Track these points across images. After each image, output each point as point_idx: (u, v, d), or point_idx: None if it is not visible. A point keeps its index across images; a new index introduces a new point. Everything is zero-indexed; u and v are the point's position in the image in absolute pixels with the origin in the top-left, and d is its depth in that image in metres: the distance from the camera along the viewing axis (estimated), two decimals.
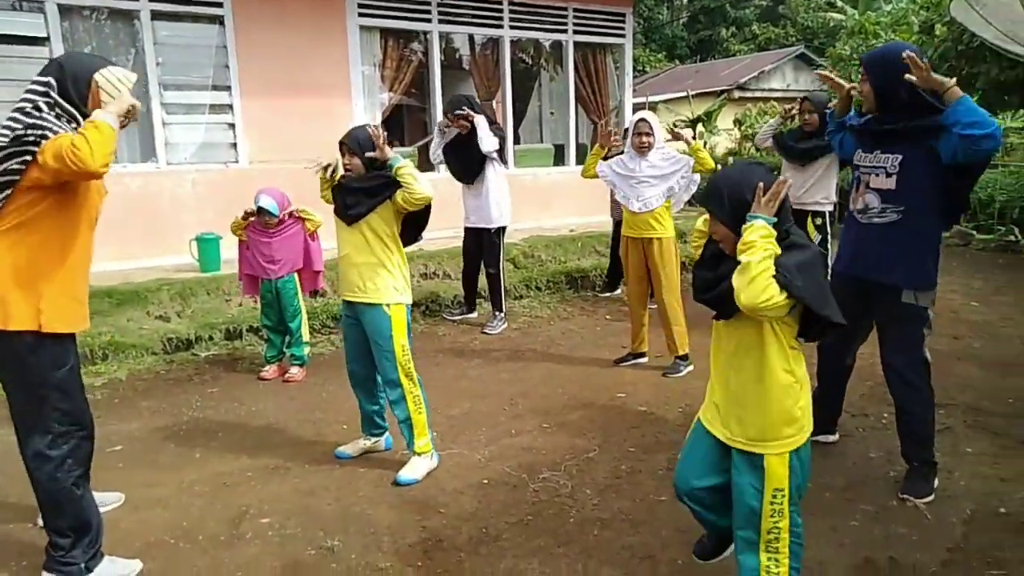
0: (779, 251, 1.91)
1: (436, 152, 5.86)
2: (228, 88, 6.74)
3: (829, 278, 3.36)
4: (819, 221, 5.10)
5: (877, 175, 3.01)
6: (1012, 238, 8.62)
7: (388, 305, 3.25)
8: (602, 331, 5.84)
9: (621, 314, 6.24)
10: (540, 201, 8.66)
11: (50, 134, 2.26)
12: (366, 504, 3.12)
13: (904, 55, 2.73)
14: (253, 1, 6.71)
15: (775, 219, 1.92)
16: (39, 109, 2.31)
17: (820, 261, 2.01)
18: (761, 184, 1.92)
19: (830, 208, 5.14)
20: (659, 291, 4.71)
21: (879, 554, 2.67)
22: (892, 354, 3.11)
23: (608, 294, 6.94)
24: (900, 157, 2.94)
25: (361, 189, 3.20)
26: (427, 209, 3.29)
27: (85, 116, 2.35)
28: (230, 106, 6.78)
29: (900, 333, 3.08)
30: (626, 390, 4.44)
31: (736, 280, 1.90)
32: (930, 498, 3.04)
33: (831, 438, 3.60)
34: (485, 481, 3.30)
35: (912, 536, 2.78)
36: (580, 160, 9.18)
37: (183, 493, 3.24)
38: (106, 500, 3.05)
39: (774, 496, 2.05)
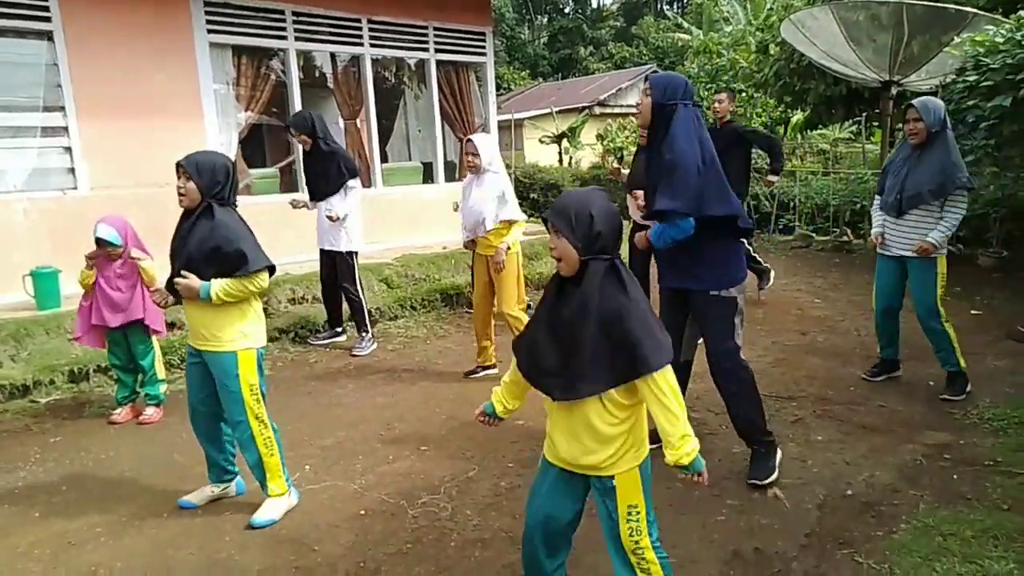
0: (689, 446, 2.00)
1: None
2: (62, 109, 6.19)
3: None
4: None
5: None
6: (845, 239, 9.48)
7: (237, 352, 3.05)
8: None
9: (497, 328, 6.27)
10: (411, 219, 8.58)
11: None
12: (233, 549, 2.92)
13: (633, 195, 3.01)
14: (86, 16, 6.21)
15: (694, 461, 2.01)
16: None
17: (643, 298, 2.07)
18: None
19: None
20: (498, 304, 4.90)
21: (745, 545, 2.81)
22: (710, 345, 3.33)
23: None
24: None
25: (198, 258, 2.95)
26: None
27: None
28: (65, 128, 6.22)
29: (713, 324, 3.29)
30: None
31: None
32: (773, 476, 3.26)
33: None
34: (362, 512, 3.18)
35: (774, 525, 2.95)
36: (449, 177, 9.21)
37: (18, 559, 2.90)
38: None
39: (629, 513, 2.08)
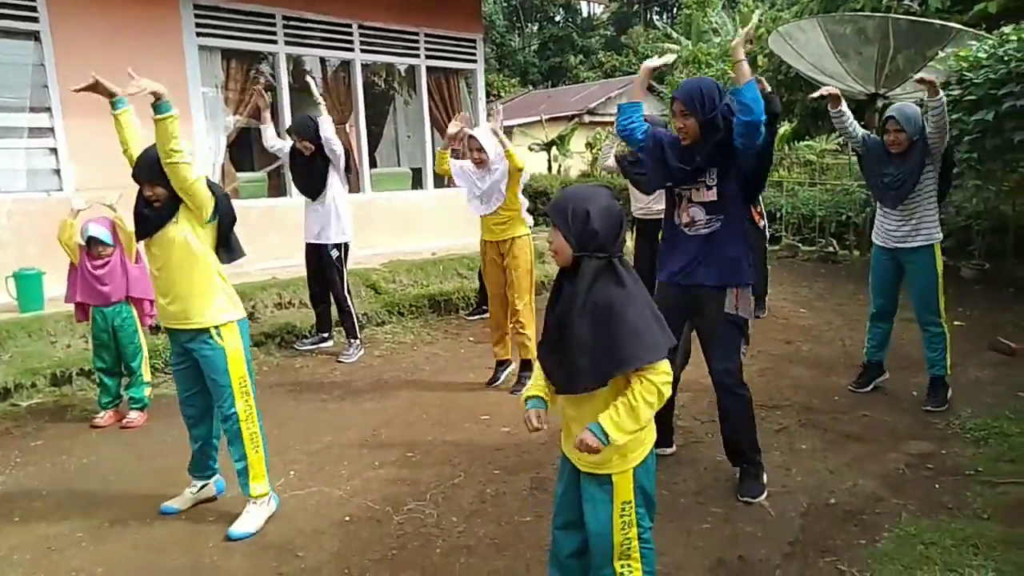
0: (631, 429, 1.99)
1: (269, 138, 5.77)
2: (48, 110, 6.15)
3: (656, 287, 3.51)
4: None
5: (698, 189, 3.20)
6: (831, 249, 9.56)
7: (217, 328, 3.01)
8: (466, 353, 5.84)
9: (485, 336, 6.27)
10: (400, 225, 8.58)
11: None
12: (217, 555, 2.90)
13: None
14: (75, 16, 6.18)
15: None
16: None
17: (643, 293, 2.08)
18: None
19: None
20: (509, 293, 4.78)
21: (729, 553, 2.82)
22: (718, 363, 3.30)
23: (476, 317, 6.92)
24: (716, 169, 3.14)
25: (153, 206, 2.96)
26: (228, 217, 3.04)
27: None
28: (51, 129, 6.18)
29: (722, 342, 3.27)
30: (490, 412, 4.45)
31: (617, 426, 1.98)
32: (765, 494, 3.26)
33: (668, 451, 3.72)
34: (347, 518, 3.17)
35: (757, 533, 2.97)
36: (438, 184, 9.21)
37: None
38: None
39: (623, 509, 2.10)
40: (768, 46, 9.36)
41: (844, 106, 4.23)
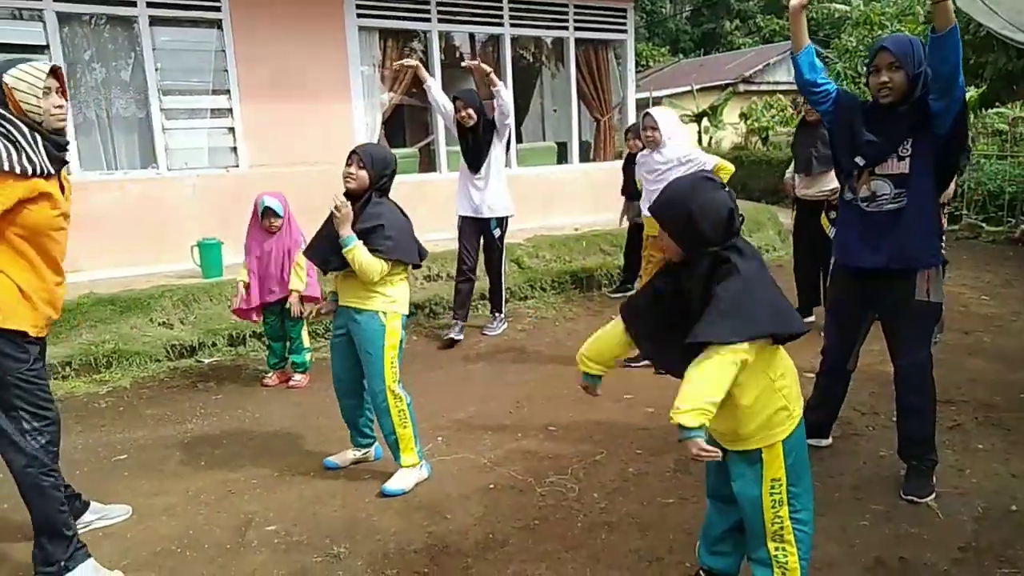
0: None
1: (436, 93, 5.55)
2: (228, 92, 6.72)
3: (832, 272, 3.28)
4: (834, 215, 5.03)
5: (887, 160, 2.93)
6: (1022, 230, 8.55)
7: (384, 313, 3.19)
8: None
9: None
10: (543, 200, 8.61)
11: None
12: (372, 510, 3.10)
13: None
14: (251, 4, 6.69)
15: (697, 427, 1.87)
16: None
17: (761, 277, 1.99)
18: None
19: None
20: None
21: (890, 554, 2.63)
22: (904, 355, 3.03)
23: (620, 294, 6.85)
24: (911, 139, 2.87)
25: (334, 240, 3.11)
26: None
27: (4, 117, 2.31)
28: (230, 110, 6.76)
29: (911, 332, 3.01)
30: (633, 391, 4.40)
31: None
32: (934, 495, 3.00)
33: (824, 442, 3.50)
34: (491, 486, 3.27)
35: (923, 535, 2.75)
36: (583, 158, 9.15)
37: (189, 501, 3.23)
38: (111, 513, 3.05)
39: (773, 487, 2.05)
40: (955, 3, 8.42)
41: None
